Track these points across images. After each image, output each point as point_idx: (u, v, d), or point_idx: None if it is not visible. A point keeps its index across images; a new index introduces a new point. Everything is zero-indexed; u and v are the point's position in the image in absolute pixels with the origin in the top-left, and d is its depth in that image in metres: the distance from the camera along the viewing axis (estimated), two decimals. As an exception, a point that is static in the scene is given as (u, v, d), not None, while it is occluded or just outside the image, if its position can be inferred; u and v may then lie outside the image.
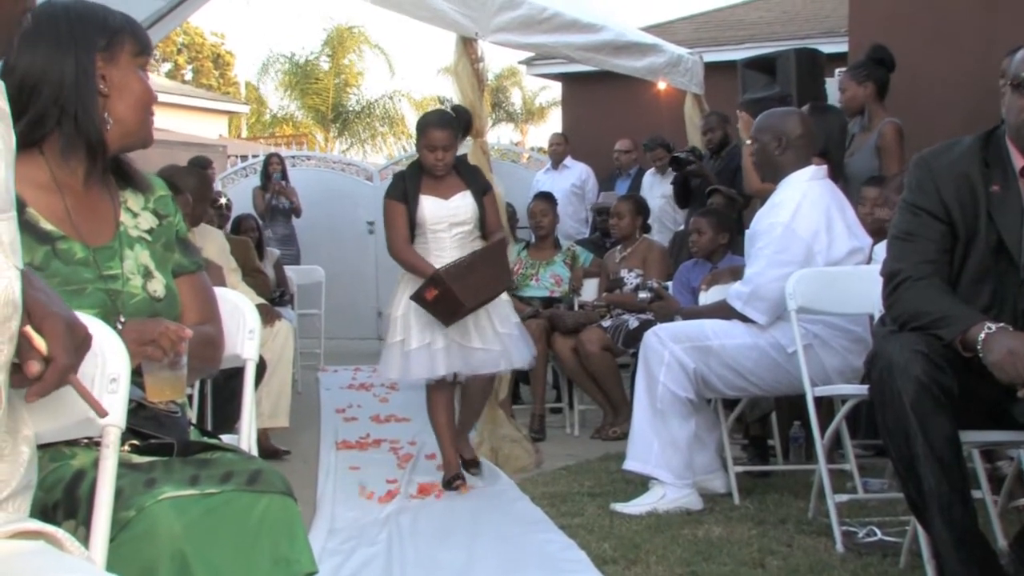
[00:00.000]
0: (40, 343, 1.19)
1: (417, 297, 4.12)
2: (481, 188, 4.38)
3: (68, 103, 1.74)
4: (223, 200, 4.83)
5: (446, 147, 4.27)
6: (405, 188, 4.31)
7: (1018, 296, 2.50)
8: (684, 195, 6.88)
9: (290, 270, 7.67)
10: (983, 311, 2.46)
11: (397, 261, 4.36)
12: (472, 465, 4.45)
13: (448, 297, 4.04)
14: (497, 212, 4.49)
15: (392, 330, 4.34)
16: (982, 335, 2.33)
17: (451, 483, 4.26)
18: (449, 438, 4.37)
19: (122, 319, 1.75)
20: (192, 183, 4.54)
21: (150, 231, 1.88)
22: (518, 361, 4.43)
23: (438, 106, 22.23)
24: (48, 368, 1.20)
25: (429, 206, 4.28)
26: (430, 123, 4.32)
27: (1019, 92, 2.49)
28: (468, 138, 4.83)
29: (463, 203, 4.32)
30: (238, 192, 9.72)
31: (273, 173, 8.97)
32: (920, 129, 5.03)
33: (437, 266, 4.15)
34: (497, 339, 4.31)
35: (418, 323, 4.23)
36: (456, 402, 4.53)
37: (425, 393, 4.43)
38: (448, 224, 4.30)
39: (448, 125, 4.32)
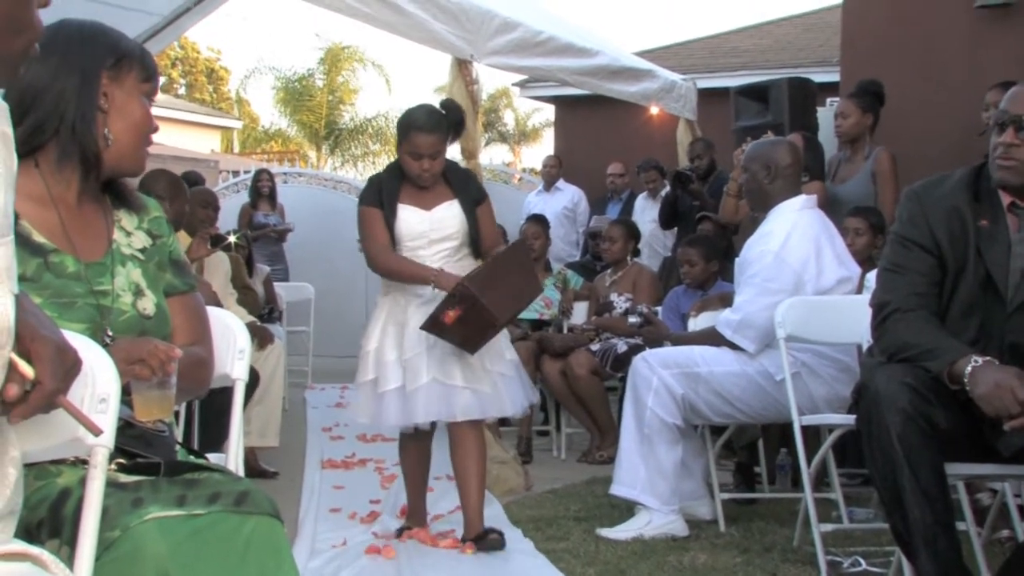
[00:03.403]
0: (26, 368, 1.18)
1: (432, 324, 3.46)
2: (473, 198, 3.75)
3: (68, 111, 1.76)
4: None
5: (434, 155, 3.63)
6: (381, 194, 3.68)
7: (1005, 330, 2.52)
8: (671, 216, 6.91)
9: (279, 287, 7.65)
10: (970, 344, 2.48)
11: (383, 273, 3.69)
12: (490, 535, 3.60)
13: (476, 315, 3.38)
14: (494, 225, 3.87)
15: (363, 367, 3.71)
16: (969, 368, 2.35)
17: (402, 531, 3.78)
18: (418, 485, 3.86)
19: (110, 333, 1.75)
20: (162, 186, 4.18)
21: (143, 250, 1.89)
22: (511, 407, 3.74)
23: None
24: (34, 391, 1.19)
25: (407, 218, 3.66)
26: (415, 125, 3.62)
27: (998, 130, 2.54)
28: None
29: (447, 215, 3.69)
30: (229, 208, 9.70)
31: (263, 190, 8.95)
32: (905, 160, 5.08)
33: (411, 298, 3.62)
34: (487, 378, 3.65)
35: (394, 360, 3.64)
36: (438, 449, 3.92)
37: (399, 442, 3.89)
38: (428, 240, 3.67)
39: (437, 128, 3.63)
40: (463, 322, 3.41)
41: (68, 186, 1.80)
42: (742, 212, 5.26)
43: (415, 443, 3.82)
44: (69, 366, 1.25)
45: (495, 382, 3.67)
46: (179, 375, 1.69)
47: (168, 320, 1.88)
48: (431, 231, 3.68)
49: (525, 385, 3.84)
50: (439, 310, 3.43)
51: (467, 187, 3.77)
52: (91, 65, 1.79)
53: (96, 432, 1.33)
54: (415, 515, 3.88)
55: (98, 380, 1.43)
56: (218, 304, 3.51)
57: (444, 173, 3.73)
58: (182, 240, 4.41)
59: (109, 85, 1.81)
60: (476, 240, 3.74)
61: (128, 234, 1.89)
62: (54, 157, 1.77)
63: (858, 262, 4.04)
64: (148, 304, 1.85)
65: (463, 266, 3.71)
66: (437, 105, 3.82)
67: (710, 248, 5.22)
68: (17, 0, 1.15)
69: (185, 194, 4.52)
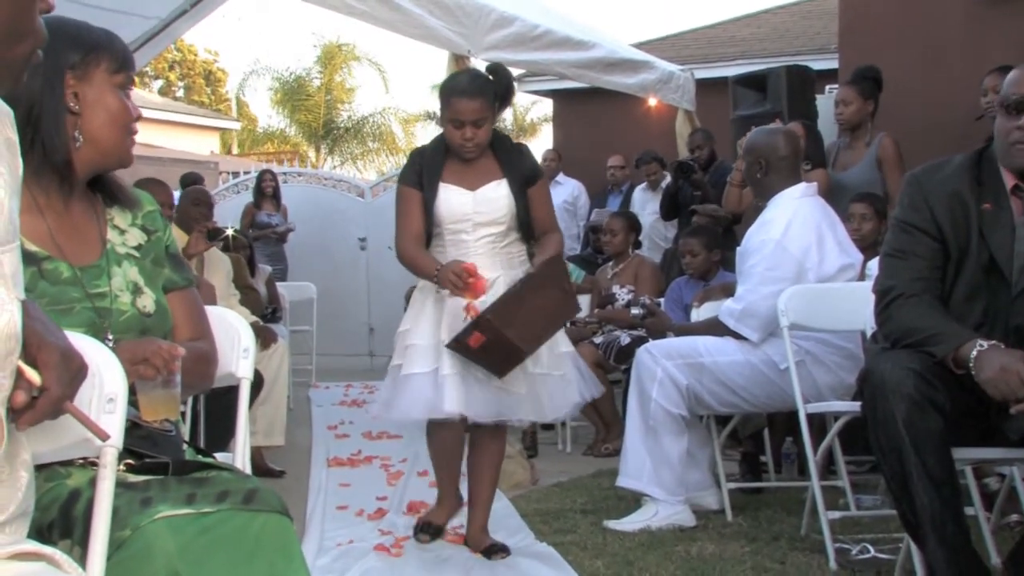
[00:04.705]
0: (32, 375, 1.19)
1: (458, 345, 3.17)
2: (524, 176, 3.37)
3: (41, 121, 1.73)
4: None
5: (478, 121, 3.27)
6: (421, 172, 3.34)
7: (1010, 313, 2.52)
8: (672, 208, 6.90)
9: (281, 287, 7.65)
10: (975, 328, 2.48)
11: (402, 263, 3.40)
12: (496, 552, 3.41)
13: (500, 344, 3.14)
14: (549, 207, 3.46)
15: (396, 350, 3.45)
16: (974, 352, 2.34)
17: (431, 529, 3.59)
18: (452, 477, 3.61)
19: (110, 336, 1.75)
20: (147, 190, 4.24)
21: (138, 247, 1.88)
22: (552, 411, 3.45)
23: (429, 120, 21.71)
24: (41, 398, 1.19)
25: (448, 198, 3.32)
26: (457, 89, 3.31)
27: (1006, 113, 2.52)
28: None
29: (494, 196, 3.34)
30: (230, 209, 9.71)
31: (267, 190, 8.96)
32: (904, 147, 5.08)
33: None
34: (526, 381, 3.33)
35: (425, 345, 3.32)
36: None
37: (425, 428, 3.55)
38: (472, 224, 3.34)
39: (481, 92, 3.28)
40: (488, 349, 3.15)
41: (50, 195, 1.78)
42: (746, 201, 5.26)
43: (445, 431, 3.48)
44: (75, 372, 1.25)
45: (534, 384, 3.36)
46: (183, 372, 1.70)
47: (169, 316, 1.88)
48: (475, 213, 3.34)
49: (586, 380, 3.51)
50: (465, 332, 3.15)
51: (518, 164, 3.39)
52: (54, 67, 1.73)
53: (103, 437, 1.33)
54: (442, 502, 3.64)
55: (105, 380, 1.43)
56: (214, 303, 3.50)
57: (493, 148, 3.38)
58: (179, 237, 4.43)
59: (77, 85, 1.76)
60: (527, 224, 3.39)
61: (122, 232, 1.87)
62: (33, 168, 1.73)
63: (864, 248, 4.05)
64: (147, 302, 1.84)
65: (510, 252, 3.42)
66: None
67: (712, 238, 5.22)
68: (19, 6, 1.14)
69: (169, 195, 4.55)
